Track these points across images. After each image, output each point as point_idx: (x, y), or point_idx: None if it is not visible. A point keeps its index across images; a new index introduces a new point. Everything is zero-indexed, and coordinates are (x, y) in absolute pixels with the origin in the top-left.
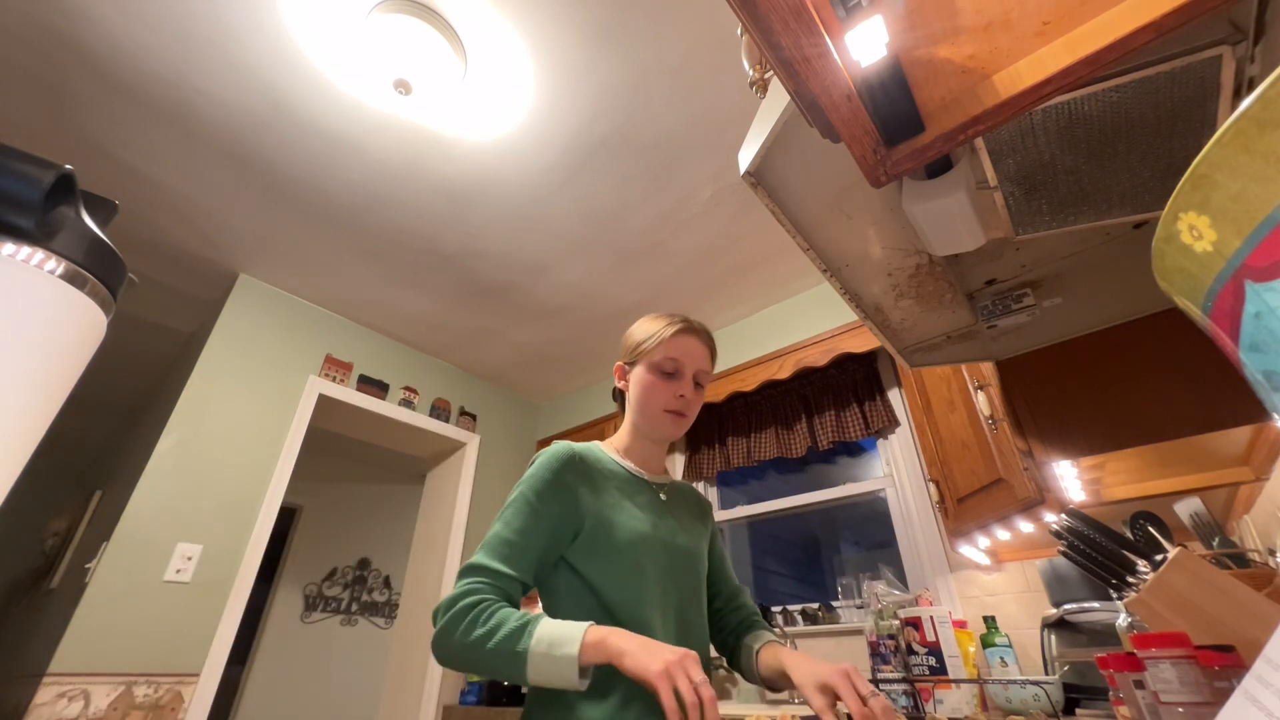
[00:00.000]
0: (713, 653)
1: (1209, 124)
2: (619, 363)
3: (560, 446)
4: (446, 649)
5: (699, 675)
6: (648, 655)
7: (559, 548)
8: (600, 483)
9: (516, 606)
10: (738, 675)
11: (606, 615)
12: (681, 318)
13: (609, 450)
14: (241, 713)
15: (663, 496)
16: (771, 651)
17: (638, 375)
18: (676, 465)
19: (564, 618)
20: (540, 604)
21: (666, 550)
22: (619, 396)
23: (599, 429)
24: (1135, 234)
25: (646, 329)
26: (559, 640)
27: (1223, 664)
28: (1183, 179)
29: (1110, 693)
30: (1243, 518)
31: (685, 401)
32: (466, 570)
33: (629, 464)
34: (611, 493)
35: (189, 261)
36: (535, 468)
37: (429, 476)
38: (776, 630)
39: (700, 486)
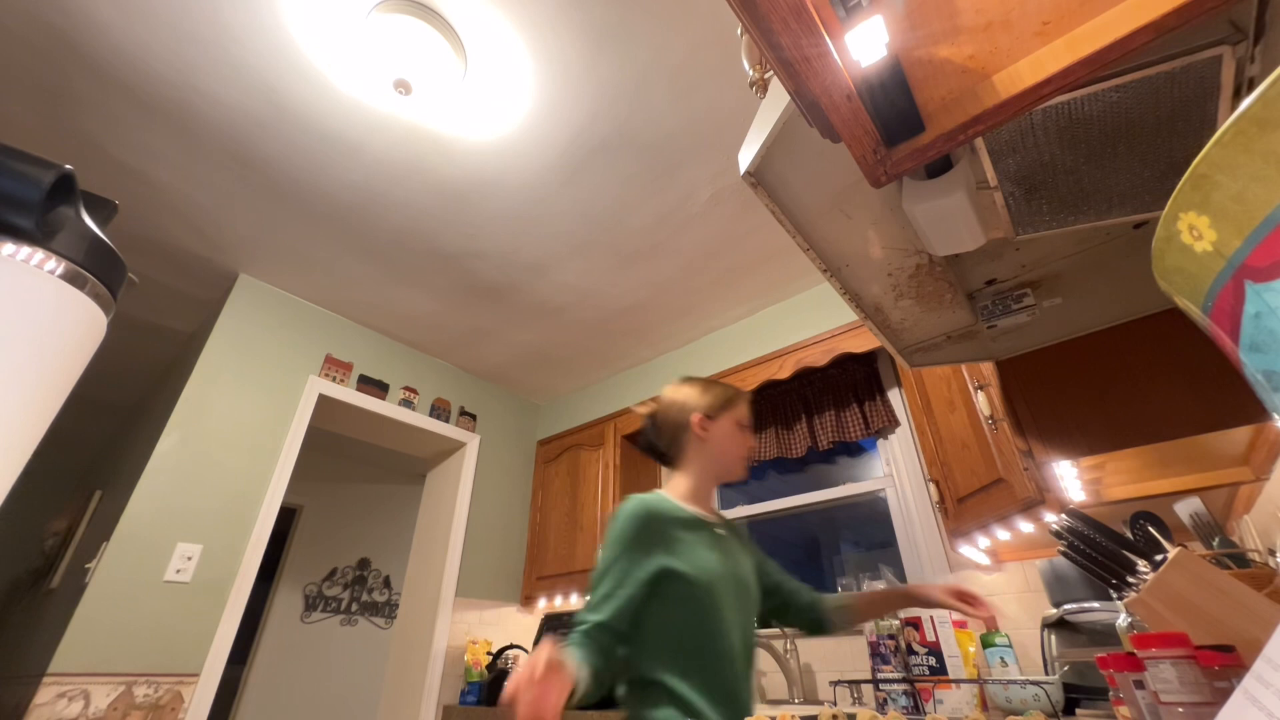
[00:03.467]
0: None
1: (1209, 124)
2: (697, 414)
3: (635, 505)
4: None
5: None
6: None
7: (645, 593)
8: (673, 532)
9: (612, 650)
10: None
11: (691, 646)
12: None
13: (674, 498)
14: (241, 713)
15: (720, 532)
16: (858, 595)
17: (725, 427)
18: None
19: (652, 650)
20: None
21: (731, 582)
22: (663, 444)
23: (598, 429)
24: (1135, 234)
25: (722, 390)
26: None
27: (1223, 664)
28: (1183, 179)
29: (1110, 693)
30: (1243, 518)
31: (753, 450)
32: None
33: (695, 509)
34: (685, 539)
35: (189, 261)
36: (618, 529)
37: (429, 476)
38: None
39: None
